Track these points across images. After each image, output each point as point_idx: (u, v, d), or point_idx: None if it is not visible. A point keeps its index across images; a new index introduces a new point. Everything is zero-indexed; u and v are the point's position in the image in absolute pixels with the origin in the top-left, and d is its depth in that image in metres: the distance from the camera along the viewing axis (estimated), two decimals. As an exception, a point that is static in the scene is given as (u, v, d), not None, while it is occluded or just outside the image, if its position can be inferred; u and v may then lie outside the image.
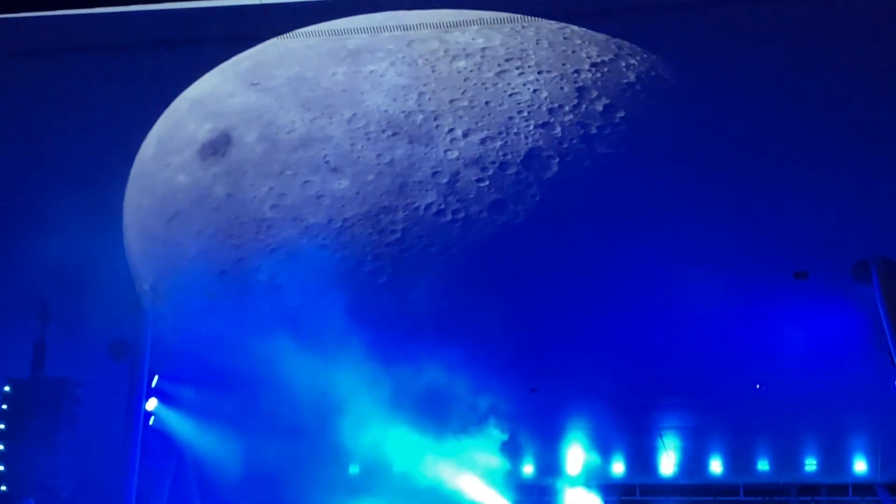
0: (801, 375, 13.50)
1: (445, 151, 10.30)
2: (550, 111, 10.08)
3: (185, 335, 12.98)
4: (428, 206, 10.76)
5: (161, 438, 13.30)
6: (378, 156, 10.47)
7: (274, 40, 9.87)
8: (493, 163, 10.41)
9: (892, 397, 11.60)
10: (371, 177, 10.61)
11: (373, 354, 12.52)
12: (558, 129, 10.12)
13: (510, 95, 10.04)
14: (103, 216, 11.35)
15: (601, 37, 9.76)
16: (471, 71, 10.01)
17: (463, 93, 10.09)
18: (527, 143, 10.22)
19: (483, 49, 9.97)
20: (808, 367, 13.27)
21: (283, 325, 12.23)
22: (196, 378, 13.77)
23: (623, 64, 9.72)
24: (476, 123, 10.20)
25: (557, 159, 10.32)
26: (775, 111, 9.82)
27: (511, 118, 10.15)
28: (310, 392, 13.66)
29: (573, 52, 9.84)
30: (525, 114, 10.10)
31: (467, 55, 10.02)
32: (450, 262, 11.33)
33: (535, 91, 9.99)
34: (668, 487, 18.53)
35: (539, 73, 9.89)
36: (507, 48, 9.90)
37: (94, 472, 12.43)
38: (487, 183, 10.52)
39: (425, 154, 10.37)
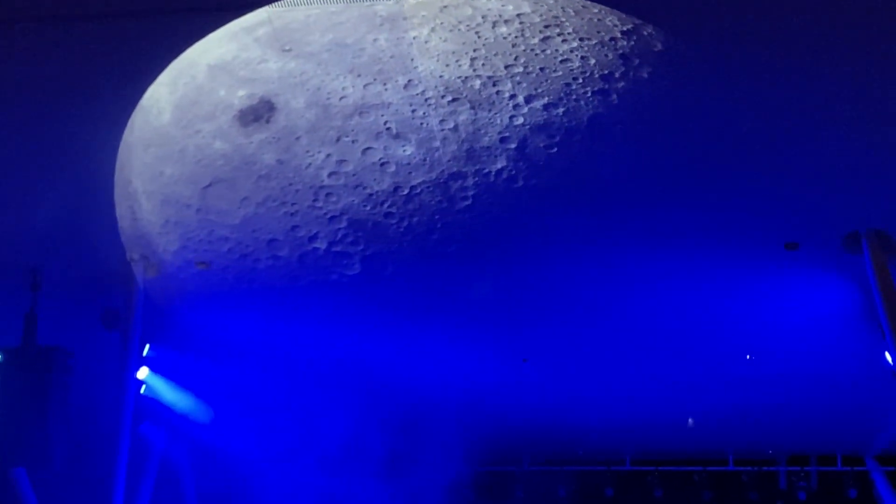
0: (791, 345, 13.59)
1: (510, 117, 10.12)
2: (603, 78, 9.90)
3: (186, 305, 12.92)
4: (499, 172, 10.60)
5: (152, 407, 13.32)
6: (441, 121, 10.19)
7: (269, 8, 9.68)
8: (560, 129, 10.22)
9: (881, 368, 11.64)
10: (437, 143, 10.37)
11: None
12: (614, 97, 9.98)
13: (561, 62, 9.82)
14: (94, 184, 11.29)
15: (606, 7, 9.66)
16: (515, 37, 9.74)
17: (515, 59, 9.82)
18: (588, 110, 10.06)
19: (518, 15, 9.71)
20: (798, 338, 13.34)
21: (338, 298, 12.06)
22: (189, 348, 13.79)
23: (646, 33, 9.62)
24: (536, 89, 9.97)
25: (620, 127, 10.19)
26: (767, 83, 9.80)
27: (568, 84, 9.93)
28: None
29: (598, 20, 9.67)
30: (580, 80, 9.88)
31: (506, 21, 9.73)
32: (525, 228, 11.25)
33: (583, 58, 9.75)
34: (659, 457, 18.68)
35: (580, 40, 9.65)
36: (540, 15, 9.65)
37: (86, 441, 12.43)
38: (556, 150, 10.38)
39: (490, 119, 10.14)
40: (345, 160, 10.63)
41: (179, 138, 10.81)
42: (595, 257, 11.66)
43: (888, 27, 9.02)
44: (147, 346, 12.87)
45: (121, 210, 11.59)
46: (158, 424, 13.89)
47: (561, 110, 10.07)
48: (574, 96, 10.00)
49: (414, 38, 9.80)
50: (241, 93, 10.43)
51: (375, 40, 9.94)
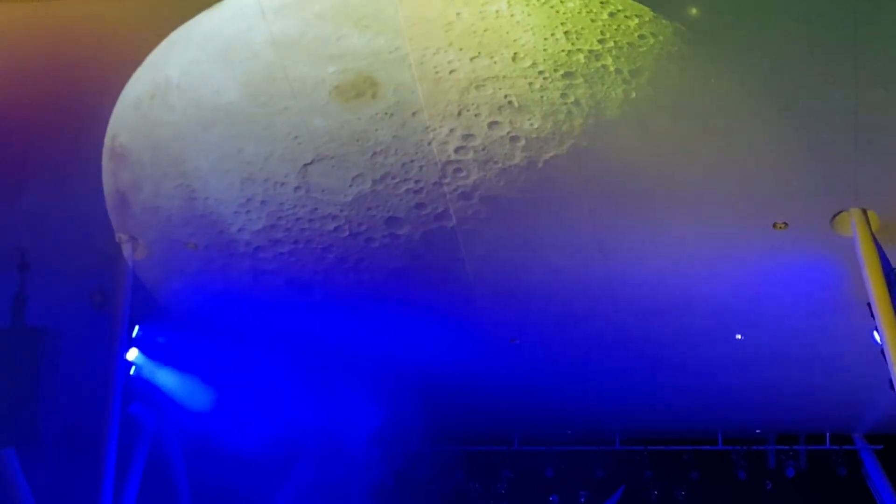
0: (780, 325, 13.65)
1: (624, 91, 9.89)
2: (679, 55, 9.75)
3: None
4: (627, 148, 10.40)
5: (142, 388, 13.30)
6: (562, 95, 9.95)
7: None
8: (667, 106, 10.11)
9: (870, 348, 11.68)
10: (562, 116, 10.10)
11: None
12: (691, 74, 9.87)
13: (640, 38, 9.64)
14: (83, 164, 11.24)
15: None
16: (587, 12, 9.49)
17: (602, 33, 9.59)
18: (681, 86, 9.97)
19: None
20: (787, 317, 13.41)
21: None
22: (182, 329, 13.75)
23: (669, 13, 9.50)
24: (636, 64, 9.79)
25: (702, 104, 10.14)
26: (757, 61, 9.80)
27: (659, 61, 9.77)
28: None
29: (633, -1, 9.59)
30: (666, 57, 9.74)
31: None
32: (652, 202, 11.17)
33: (653, 34, 9.64)
34: (648, 437, 18.76)
35: (638, 17, 9.52)
36: (584, -8, 9.56)
37: (76, 423, 12.41)
38: (670, 126, 10.28)
39: (605, 94, 9.95)
40: (471, 134, 10.35)
41: (260, 116, 10.50)
42: (584, 236, 11.63)
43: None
44: (137, 328, 12.82)
45: (162, 189, 11.35)
46: (148, 406, 13.86)
47: (663, 87, 9.92)
48: (667, 72, 9.84)
49: (496, 11, 9.48)
50: (331, 69, 10.08)
51: (459, 14, 9.56)
